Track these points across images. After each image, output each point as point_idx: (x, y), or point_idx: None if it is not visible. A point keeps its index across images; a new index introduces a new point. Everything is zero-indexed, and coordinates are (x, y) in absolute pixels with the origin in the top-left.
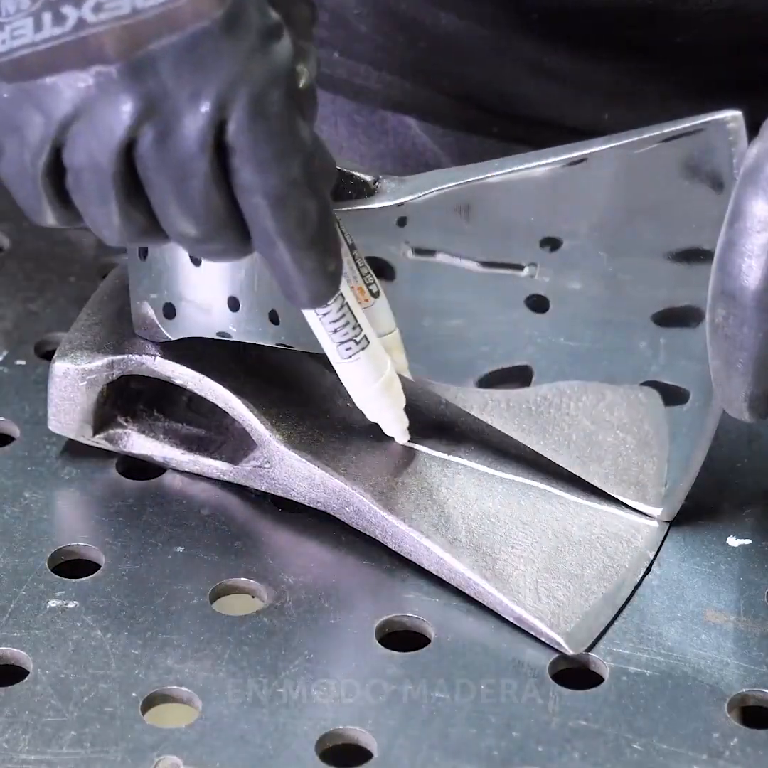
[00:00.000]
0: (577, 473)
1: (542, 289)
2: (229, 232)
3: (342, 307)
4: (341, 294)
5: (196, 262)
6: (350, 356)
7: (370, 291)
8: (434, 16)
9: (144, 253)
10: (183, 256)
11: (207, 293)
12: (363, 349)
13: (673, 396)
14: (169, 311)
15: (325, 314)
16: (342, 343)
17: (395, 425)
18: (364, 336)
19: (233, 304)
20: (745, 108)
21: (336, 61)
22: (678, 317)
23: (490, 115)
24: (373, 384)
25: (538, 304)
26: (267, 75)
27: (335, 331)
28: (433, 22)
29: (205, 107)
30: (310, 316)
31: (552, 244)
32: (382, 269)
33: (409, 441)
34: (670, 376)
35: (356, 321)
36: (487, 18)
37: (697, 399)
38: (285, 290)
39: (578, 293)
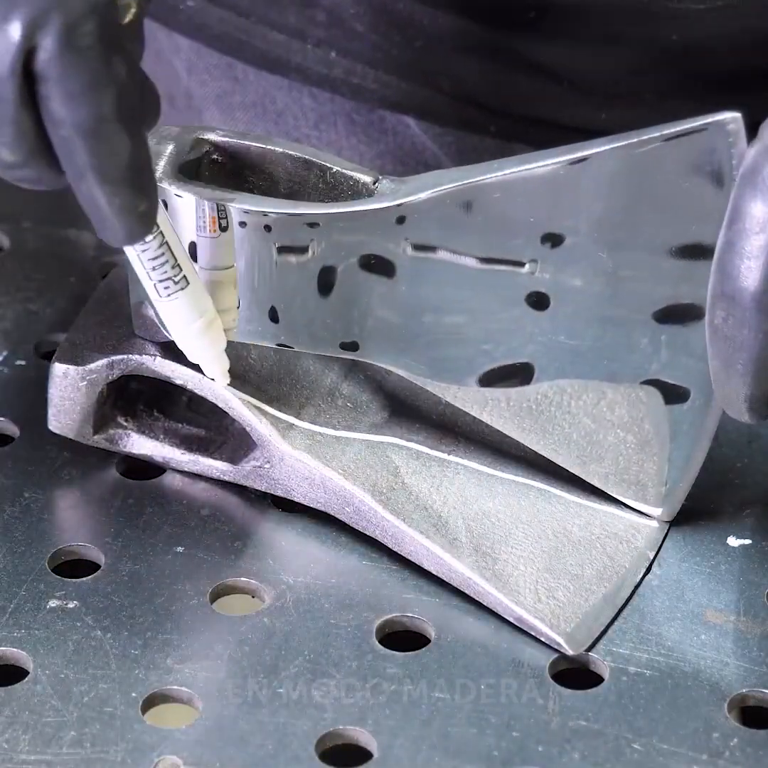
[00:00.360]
0: (576, 473)
1: (543, 286)
2: (41, 160)
3: (161, 245)
4: (161, 232)
5: (194, 260)
6: (169, 295)
7: (220, 224)
8: (431, 15)
9: None
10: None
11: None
12: (182, 289)
13: (673, 395)
14: None
15: (143, 251)
16: (161, 281)
17: (215, 366)
18: (184, 276)
19: None
20: (743, 106)
21: (333, 61)
22: (679, 315)
23: (488, 114)
24: (192, 324)
25: (538, 301)
26: (82, 6)
27: (154, 268)
28: (430, 21)
29: (14, 31)
30: (129, 251)
31: (553, 240)
32: (382, 266)
33: (408, 440)
34: (671, 374)
35: (176, 261)
36: (484, 16)
37: (698, 398)
38: (96, 227)
39: (579, 290)
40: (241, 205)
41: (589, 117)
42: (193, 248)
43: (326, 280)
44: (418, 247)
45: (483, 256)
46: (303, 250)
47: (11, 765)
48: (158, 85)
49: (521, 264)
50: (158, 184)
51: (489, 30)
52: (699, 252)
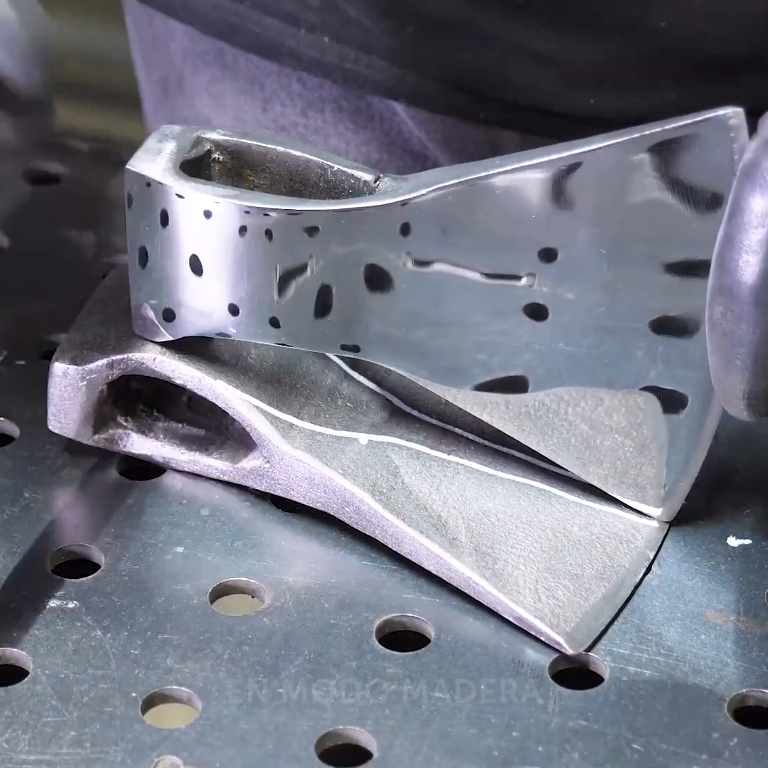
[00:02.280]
0: (576, 474)
1: (541, 298)
2: None
3: None
4: None
5: (197, 271)
6: None
7: None
8: (422, 0)
9: (144, 261)
10: (183, 266)
11: (207, 301)
12: None
13: (671, 401)
14: (169, 315)
15: None
16: None
17: None
18: None
19: (234, 311)
20: (731, 92)
21: (326, 46)
22: (676, 326)
23: (478, 100)
24: None
25: (536, 311)
26: None
27: None
28: (421, 6)
29: None
30: None
31: (549, 255)
32: (381, 280)
33: (408, 440)
34: (668, 384)
35: None
36: (475, 1)
37: (696, 403)
38: None
39: (576, 301)
40: (243, 203)
41: (579, 103)
42: (195, 260)
43: (324, 302)
44: (419, 263)
45: (482, 270)
46: (301, 269)
47: (11, 765)
48: (154, 70)
49: (519, 278)
50: (159, 182)
51: (479, 14)
52: (695, 265)
